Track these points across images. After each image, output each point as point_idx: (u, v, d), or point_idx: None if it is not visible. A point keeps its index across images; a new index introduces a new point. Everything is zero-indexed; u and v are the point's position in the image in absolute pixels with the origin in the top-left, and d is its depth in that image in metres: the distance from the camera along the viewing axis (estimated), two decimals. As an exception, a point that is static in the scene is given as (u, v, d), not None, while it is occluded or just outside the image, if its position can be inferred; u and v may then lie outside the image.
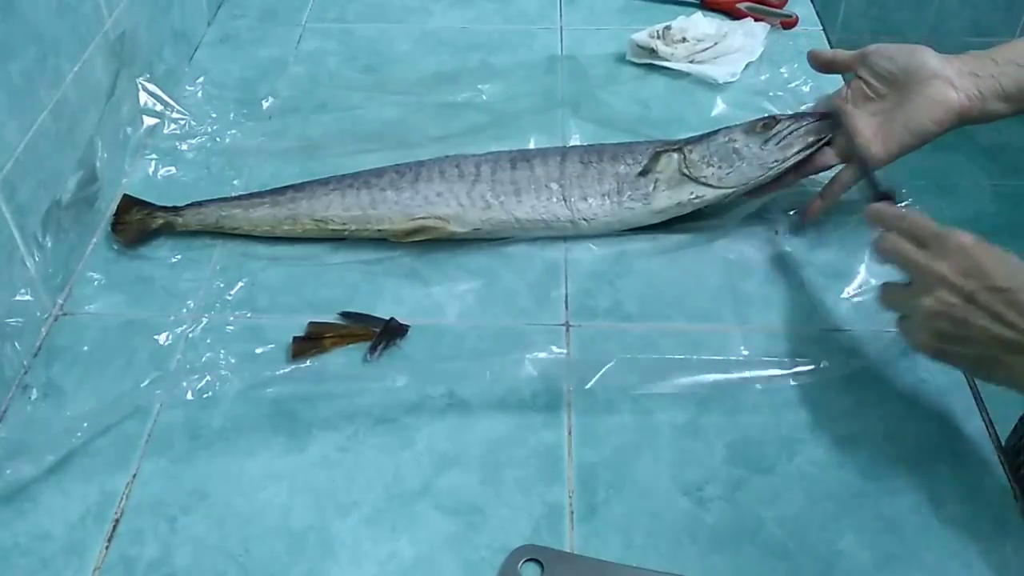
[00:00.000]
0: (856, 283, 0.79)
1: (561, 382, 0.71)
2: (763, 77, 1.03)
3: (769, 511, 0.64)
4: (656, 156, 0.83)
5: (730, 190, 0.81)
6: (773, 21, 1.12)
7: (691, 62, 1.04)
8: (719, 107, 0.99)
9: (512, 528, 0.63)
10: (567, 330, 0.76)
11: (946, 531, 0.63)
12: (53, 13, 0.77)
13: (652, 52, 1.05)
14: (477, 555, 0.62)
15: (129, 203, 0.85)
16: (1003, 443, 0.69)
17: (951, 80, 0.74)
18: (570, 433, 0.69)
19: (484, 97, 1.00)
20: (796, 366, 0.71)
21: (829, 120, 0.81)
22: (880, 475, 0.66)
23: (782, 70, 1.03)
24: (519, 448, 0.68)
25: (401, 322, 0.75)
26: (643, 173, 0.82)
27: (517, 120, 0.95)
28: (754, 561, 0.61)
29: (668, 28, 1.06)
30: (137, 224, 0.84)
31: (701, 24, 1.07)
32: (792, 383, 0.71)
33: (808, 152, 0.80)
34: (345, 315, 0.76)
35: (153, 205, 0.85)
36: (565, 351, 0.74)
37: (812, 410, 0.70)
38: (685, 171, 0.82)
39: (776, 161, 0.80)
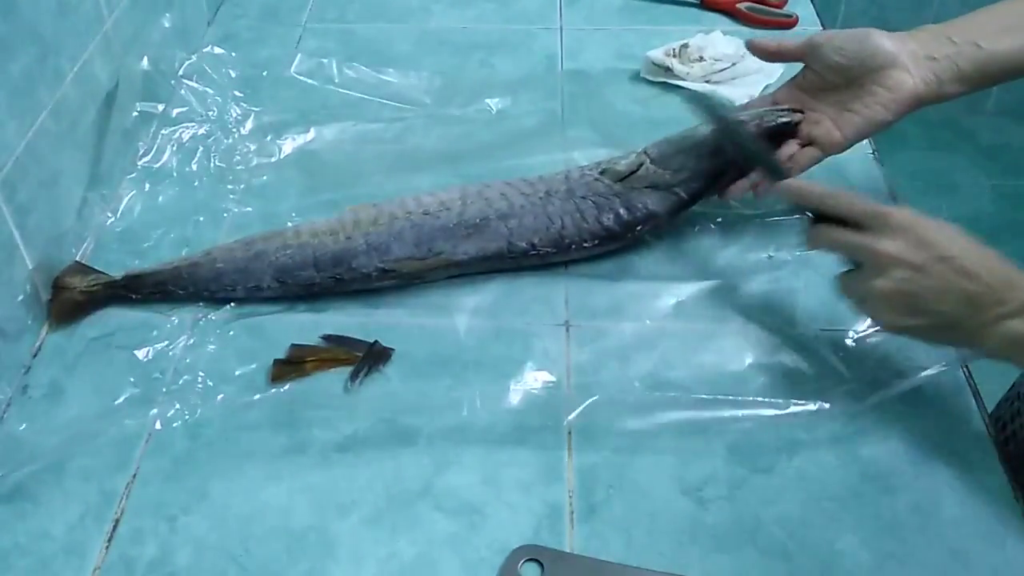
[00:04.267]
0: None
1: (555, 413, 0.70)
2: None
3: (769, 511, 0.64)
4: (637, 164, 0.82)
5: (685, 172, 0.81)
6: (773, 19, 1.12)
7: (707, 82, 1.01)
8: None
9: (512, 528, 0.63)
10: (567, 330, 0.76)
11: (946, 531, 0.63)
12: (53, 13, 0.77)
13: (667, 70, 1.02)
14: (477, 555, 0.62)
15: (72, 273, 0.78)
16: (990, 413, 0.70)
17: (907, 67, 0.74)
18: (570, 432, 0.69)
19: (493, 112, 0.99)
20: (793, 405, 0.70)
21: (789, 117, 0.80)
22: (880, 475, 0.66)
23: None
24: (519, 448, 0.68)
25: (385, 345, 0.74)
26: (622, 179, 0.82)
27: (526, 138, 0.94)
28: (754, 561, 0.61)
29: (685, 46, 1.03)
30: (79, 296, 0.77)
31: (720, 43, 1.04)
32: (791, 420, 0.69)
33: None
34: (327, 338, 0.75)
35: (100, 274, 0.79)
36: (565, 351, 0.75)
37: (812, 410, 0.70)
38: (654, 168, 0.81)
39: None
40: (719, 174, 0.82)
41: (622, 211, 0.80)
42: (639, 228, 0.81)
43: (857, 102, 0.76)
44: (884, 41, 0.75)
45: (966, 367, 0.72)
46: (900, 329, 0.65)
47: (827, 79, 0.78)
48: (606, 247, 0.81)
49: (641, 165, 0.82)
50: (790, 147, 0.80)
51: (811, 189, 0.70)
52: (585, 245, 0.80)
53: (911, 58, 0.74)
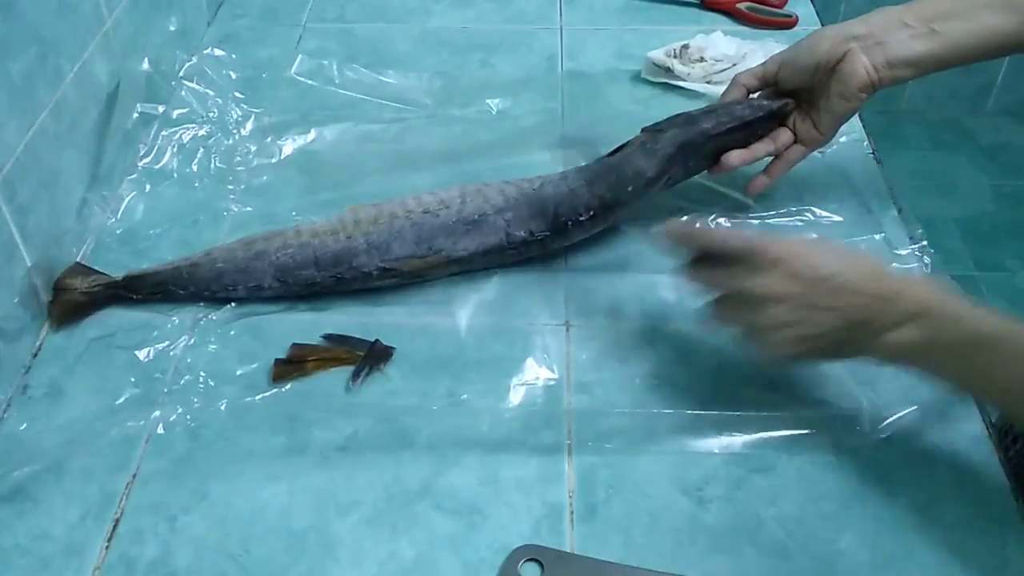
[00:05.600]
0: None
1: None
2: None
3: (769, 511, 0.64)
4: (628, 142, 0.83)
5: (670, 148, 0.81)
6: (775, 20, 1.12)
7: (708, 83, 1.01)
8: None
9: (512, 528, 0.63)
10: (567, 329, 0.76)
11: (946, 531, 0.63)
12: (53, 13, 0.77)
13: (668, 71, 1.02)
14: (477, 555, 0.62)
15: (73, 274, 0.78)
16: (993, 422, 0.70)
17: (857, 56, 0.75)
18: (570, 432, 0.69)
19: (493, 112, 0.99)
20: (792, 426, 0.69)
21: (776, 109, 0.82)
22: (880, 475, 0.66)
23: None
24: (519, 448, 0.68)
25: (386, 344, 0.74)
26: (612, 153, 0.83)
27: (526, 138, 0.94)
28: (754, 561, 0.61)
29: (686, 47, 1.03)
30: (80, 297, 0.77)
31: (720, 44, 1.04)
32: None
33: (738, 125, 0.81)
34: (328, 337, 0.75)
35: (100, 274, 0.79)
36: (565, 351, 0.75)
37: (811, 411, 0.70)
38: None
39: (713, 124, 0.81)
40: (711, 134, 0.81)
41: (612, 177, 0.80)
42: (630, 188, 0.80)
43: (822, 99, 0.79)
44: (830, 38, 0.77)
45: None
46: (790, 357, 0.65)
47: (798, 93, 0.82)
48: (603, 220, 0.81)
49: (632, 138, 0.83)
50: (784, 134, 0.82)
51: (686, 230, 0.70)
52: (581, 219, 0.79)
53: (860, 46, 0.75)
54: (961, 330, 0.59)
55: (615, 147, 0.83)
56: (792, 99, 0.82)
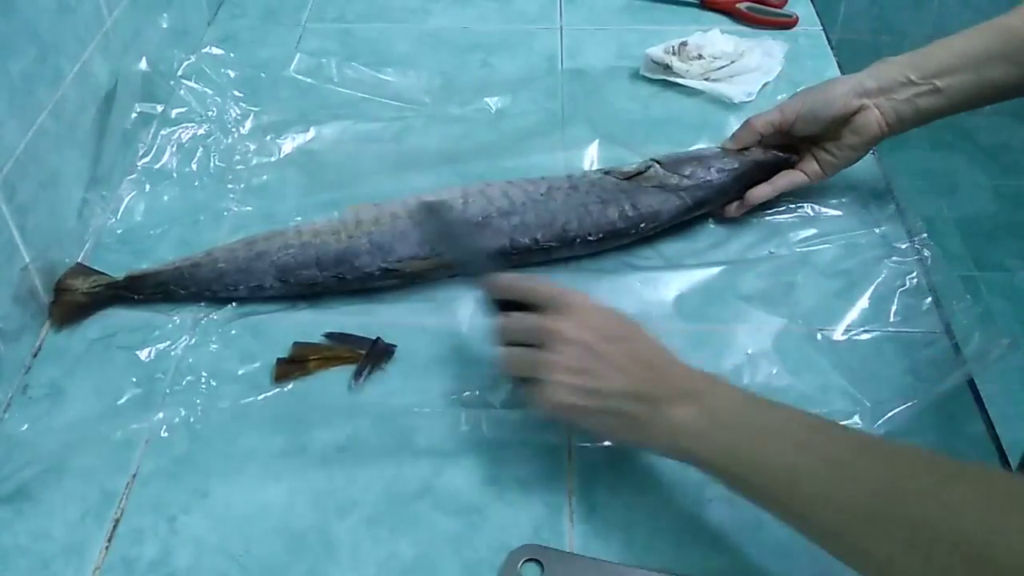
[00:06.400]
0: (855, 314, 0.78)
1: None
2: (780, 98, 0.98)
3: (769, 511, 0.64)
4: (645, 167, 0.84)
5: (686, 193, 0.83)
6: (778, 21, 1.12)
7: (706, 80, 1.01)
8: (732, 127, 0.92)
9: (512, 528, 0.63)
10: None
11: (946, 531, 0.63)
12: (53, 13, 0.77)
13: (667, 68, 1.02)
14: (477, 555, 0.62)
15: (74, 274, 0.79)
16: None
17: (870, 109, 0.80)
18: (570, 432, 0.69)
19: (492, 112, 0.99)
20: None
21: (782, 162, 0.86)
22: (880, 475, 0.66)
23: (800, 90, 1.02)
24: (519, 448, 0.68)
25: (387, 343, 0.74)
26: (628, 177, 0.83)
27: (526, 138, 0.94)
28: (754, 561, 0.61)
29: (684, 44, 1.03)
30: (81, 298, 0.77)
31: (718, 41, 1.04)
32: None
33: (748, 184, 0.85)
34: (330, 336, 0.75)
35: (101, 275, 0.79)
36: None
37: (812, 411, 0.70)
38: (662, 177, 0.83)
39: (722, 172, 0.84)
40: (726, 189, 0.84)
41: (627, 206, 0.81)
42: (642, 225, 0.81)
43: (831, 144, 0.83)
44: (844, 92, 0.80)
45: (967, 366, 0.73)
46: (571, 411, 0.61)
47: (809, 138, 0.85)
48: (609, 243, 0.81)
49: (649, 167, 0.83)
50: (784, 178, 0.86)
51: (497, 280, 0.68)
52: (589, 238, 0.80)
53: (873, 101, 0.80)
54: (733, 410, 0.58)
55: (630, 172, 0.83)
56: (796, 154, 0.86)
